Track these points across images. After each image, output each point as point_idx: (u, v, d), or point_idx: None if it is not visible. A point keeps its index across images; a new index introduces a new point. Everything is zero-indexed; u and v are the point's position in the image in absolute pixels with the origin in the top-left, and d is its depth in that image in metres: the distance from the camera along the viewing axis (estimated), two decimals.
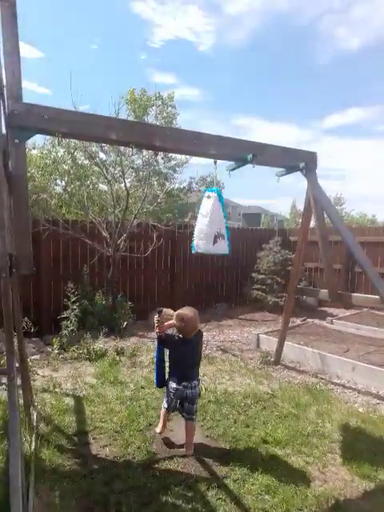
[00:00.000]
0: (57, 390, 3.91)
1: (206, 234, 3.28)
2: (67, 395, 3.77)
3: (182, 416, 2.94)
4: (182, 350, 2.88)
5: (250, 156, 3.36)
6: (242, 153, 3.42)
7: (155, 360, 3.12)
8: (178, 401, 2.90)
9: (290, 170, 3.90)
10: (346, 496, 2.41)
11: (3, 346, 3.12)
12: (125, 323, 5.99)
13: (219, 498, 2.33)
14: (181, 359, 2.89)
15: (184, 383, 2.86)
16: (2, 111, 2.41)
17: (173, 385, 2.89)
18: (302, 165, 3.75)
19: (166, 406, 2.98)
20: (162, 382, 3.06)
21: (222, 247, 3.34)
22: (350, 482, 2.56)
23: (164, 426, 3.10)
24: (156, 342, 3.09)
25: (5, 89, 2.46)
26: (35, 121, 2.62)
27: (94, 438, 3.01)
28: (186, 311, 2.86)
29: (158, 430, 3.09)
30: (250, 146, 3.48)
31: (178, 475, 2.54)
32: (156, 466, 2.66)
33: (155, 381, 3.13)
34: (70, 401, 3.64)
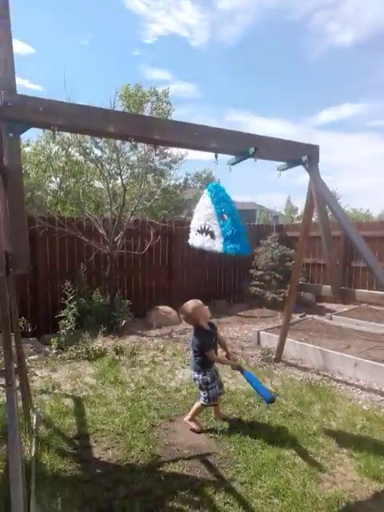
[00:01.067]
0: (56, 391, 3.83)
1: (191, 228, 3.26)
2: (67, 396, 3.69)
3: None
4: None
5: (252, 149, 3.25)
6: (244, 146, 3.31)
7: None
8: None
9: (292, 163, 3.80)
10: (356, 498, 2.35)
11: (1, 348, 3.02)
12: (123, 322, 5.90)
13: (227, 503, 2.26)
14: None
15: None
16: None
17: None
18: (304, 158, 3.66)
19: None
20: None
21: (208, 244, 3.09)
22: (360, 482, 2.50)
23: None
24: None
25: None
26: (30, 113, 2.49)
27: (95, 441, 2.93)
28: (186, 304, 3.17)
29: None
30: (251, 139, 3.38)
31: (184, 479, 2.47)
32: (160, 469, 2.58)
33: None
34: (69, 402, 3.56)
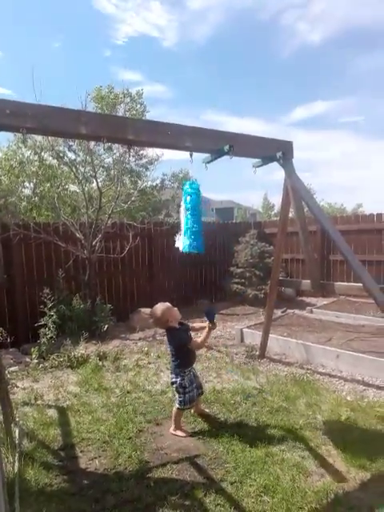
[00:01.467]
0: (39, 402, 3.72)
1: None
2: (50, 407, 3.59)
3: None
4: None
5: (226, 147, 3.25)
6: (218, 144, 3.31)
7: None
8: None
9: (267, 160, 3.82)
10: (344, 489, 2.38)
11: None
12: (105, 326, 5.81)
13: (218, 504, 2.25)
14: None
15: None
16: None
17: None
18: (279, 154, 3.68)
19: None
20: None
21: (177, 242, 3.18)
22: (347, 473, 2.53)
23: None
24: None
25: None
26: None
27: (81, 451, 2.86)
28: (154, 307, 3.10)
29: None
30: (226, 136, 3.38)
31: (174, 483, 2.44)
32: (149, 475, 2.54)
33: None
34: (53, 413, 3.47)
